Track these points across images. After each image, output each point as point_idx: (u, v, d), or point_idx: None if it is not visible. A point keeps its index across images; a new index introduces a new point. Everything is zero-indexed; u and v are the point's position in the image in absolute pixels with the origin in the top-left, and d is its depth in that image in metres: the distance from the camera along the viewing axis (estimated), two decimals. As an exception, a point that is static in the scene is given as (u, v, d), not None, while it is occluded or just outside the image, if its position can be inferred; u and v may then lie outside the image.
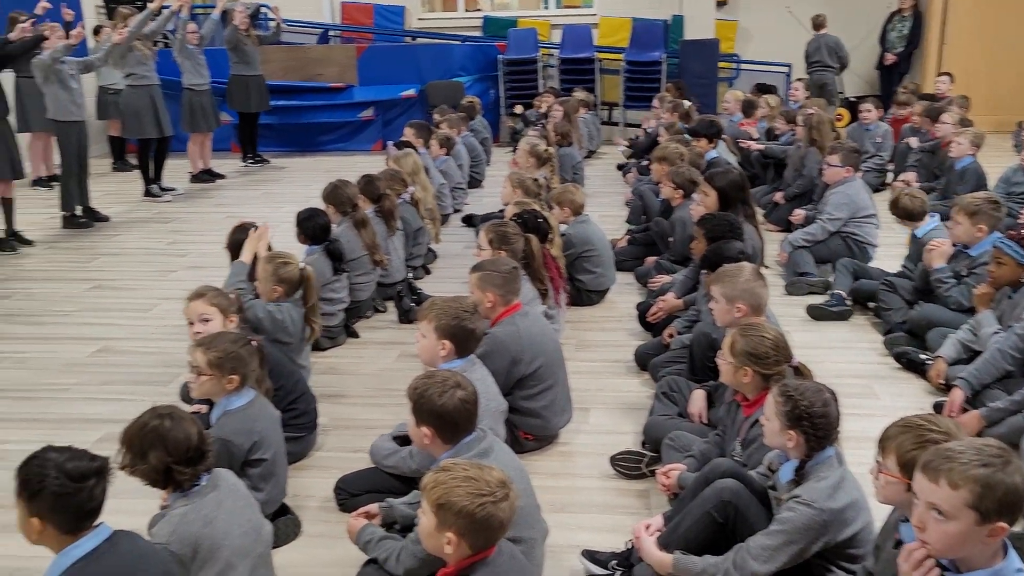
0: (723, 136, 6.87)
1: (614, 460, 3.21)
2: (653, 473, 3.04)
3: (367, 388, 4.03)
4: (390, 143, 6.66)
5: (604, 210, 6.90)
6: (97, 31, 9.48)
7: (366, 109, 10.59)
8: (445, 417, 2.37)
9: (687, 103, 7.92)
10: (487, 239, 3.91)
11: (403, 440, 3.03)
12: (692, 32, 10.77)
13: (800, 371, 2.59)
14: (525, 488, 2.37)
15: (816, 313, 4.73)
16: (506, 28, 11.37)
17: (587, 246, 4.98)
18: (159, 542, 2.20)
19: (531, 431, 3.35)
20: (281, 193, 8.35)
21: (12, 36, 6.20)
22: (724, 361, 2.65)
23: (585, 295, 4.99)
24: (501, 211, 6.11)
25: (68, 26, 7.21)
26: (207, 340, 2.90)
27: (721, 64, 10.92)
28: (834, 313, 4.69)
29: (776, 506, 2.33)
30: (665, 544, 2.40)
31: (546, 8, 12.49)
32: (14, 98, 7.52)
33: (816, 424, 2.24)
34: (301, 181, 8.90)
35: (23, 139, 7.69)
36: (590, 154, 9.56)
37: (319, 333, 3.84)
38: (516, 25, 11.49)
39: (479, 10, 12.28)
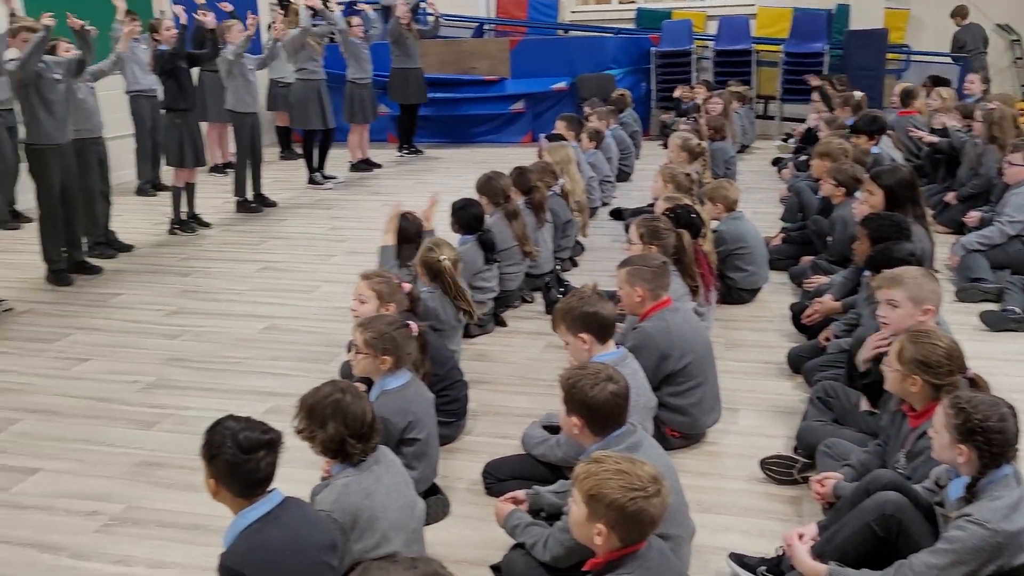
0: (888, 132, 6.52)
1: (764, 464, 3.13)
2: (806, 480, 2.95)
3: (514, 376, 4.10)
4: (542, 135, 6.73)
5: (758, 206, 6.70)
6: (270, 26, 10.05)
7: (517, 102, 10.73)
8: (595, 409, 2.39)
9: (858, 94, 7.51)
10: (638, 233, 3.89)
11: (552, 429, 3.08)
12: (858, 21, 10.25)
13: (975, 383, 2.43)
14: (674, 485, 2.35)
15: (992, 320, 4.42)
16: (660, 20, 11.22)
17: (740, 243, 4.86)
18: (323, 509, 2.33)
19: (678, 428, 3.32)
20: (434, 183, 8.58)
21: (203, 22, 6.62)
22: (891, 368, 2.53)
23: (736, 293, 4.88)
24: (650, 205, 6.06)
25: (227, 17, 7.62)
26: (366, 321, 3.05)
27: (889, 55, 10.35)
28: (1012, 321, 4.37)
29: (943, 524, 2.21)
30: (819, 554, 2.32)
31: (702, -1, 12.22)
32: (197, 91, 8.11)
33: (991, 440, 2.10)
34: (453, 171, 9.14)
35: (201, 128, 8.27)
36: (743, 148, 9.31)
37: (473, 319, 3.94)
38: (670, 17, 11.32)
39: (633, 2, 12.17)
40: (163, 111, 6.69)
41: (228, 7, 7.06)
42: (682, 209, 4.21)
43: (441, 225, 4.57)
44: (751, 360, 4.16)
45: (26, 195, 7.04)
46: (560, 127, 7.05)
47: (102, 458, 3.38)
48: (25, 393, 3.98)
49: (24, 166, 5.76)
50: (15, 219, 6.88)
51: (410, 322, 3.03)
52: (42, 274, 5.65)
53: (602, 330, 2.92)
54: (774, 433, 3.45)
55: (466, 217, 4.61)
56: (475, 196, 4.89)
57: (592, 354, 2.93)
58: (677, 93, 9.94)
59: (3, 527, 2.93)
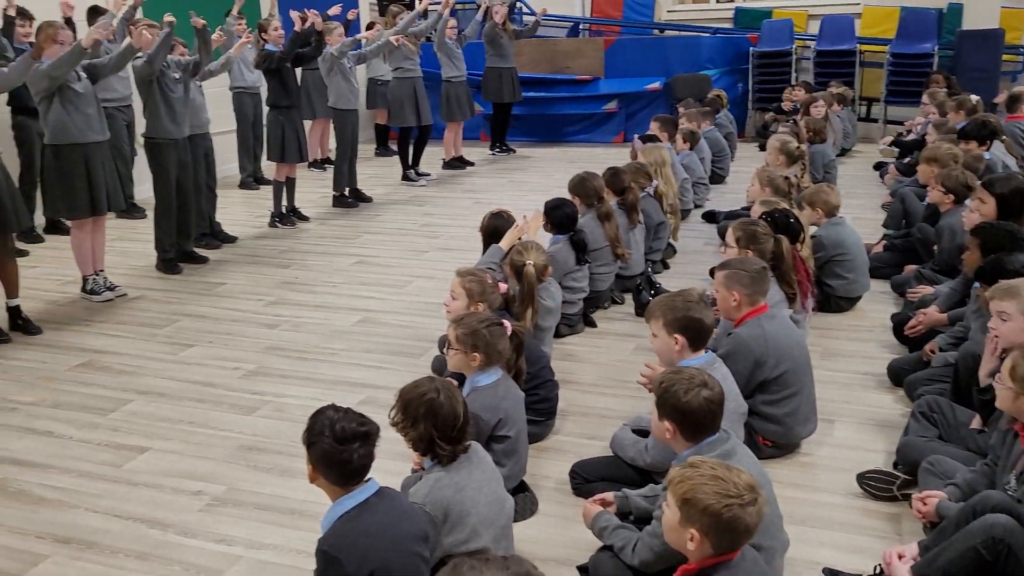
0: (1002, 137, 6.22)
1: (862, 478, 3.04)
2: (906, 497, 2.85)
3: (603, 377, 4.10)
4: (636, 136, 6.68)
5: (858, 212, 6.50)
6: (370, 27, 10.27)
7: (610, 101, 10.68)
8: (688, 414, 2.37)
9: (974, 98, 7.18)
10: (735, 237, 3.83)
11: (642, 433, 3.06)
12: (972, 21, 9.80)
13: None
14: (769, 496, 2.31)
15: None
16: (759, 19, 10.96)
17: (839, 250, 4.73)
18: (415, 502, 2.38)
19: (771, 437, 3.25)
20: (526, 181, 8.65)
21: (297, 28, 6.86)
22: (1003, 386, 2.42)
23: (834, 301, 4.74)
24: (745, 208, 5.96)
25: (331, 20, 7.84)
26: (460, 317, 3.10)
27: (1005, 57, 9.85)
28: None
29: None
30: (920, 575, 2.25)
31: (804, -3, 11.89)
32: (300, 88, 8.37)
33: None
34: (545, 170, 9.16)
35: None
36: (844, 152, 9.03)
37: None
38: (771, 16, 11.05)
39: (731, 1, 11.94)
40: (268, 108, 6.92)
41: (336, 10, 7.25)
42: (780, 213, 4.12)
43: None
44: (849, 371, 4.05)
45: (140, 187, 7.45)
46: (654, 128, 6.98)
47: (206, 440, 3.53)
48: (137, 375, 4.20)
49: (142, 159, 6.04)
50: (132, 210, 7.24)
51: (505, 321, 3.06)
52: (153, 262, 5.93)
53: (698, 338, 2.89)
54: (872, 447, 3.35)
55: (559, 217, 4.62)
56: (567, 196, 4.89)
57: (681, 357, 2.91)
58: (786, 106, 9.67)
59: (116, 501, 3.09)
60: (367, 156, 9.82)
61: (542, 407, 3.49)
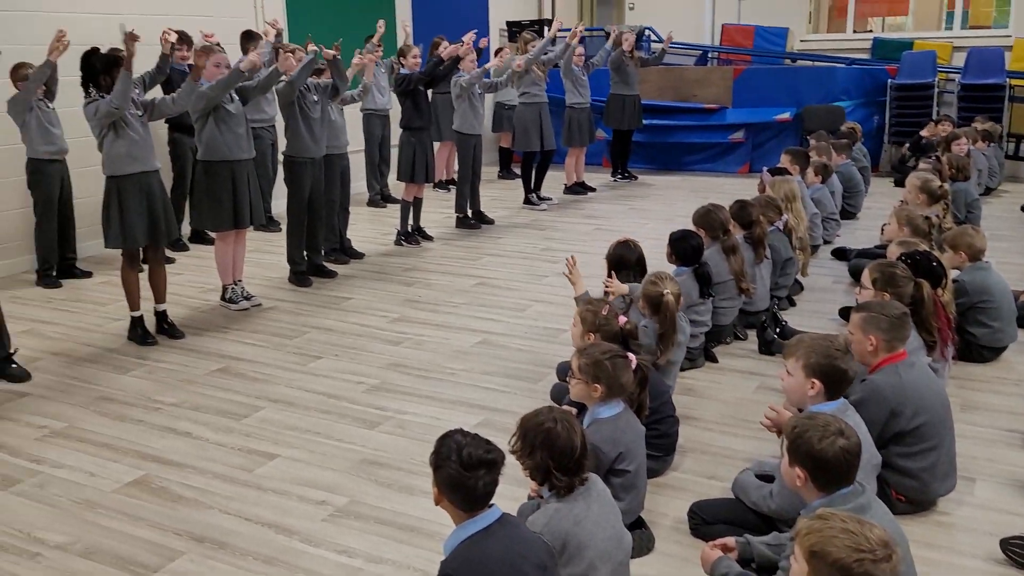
0: None
1: (1006, 544, 2.85)
2: (1056, 568, 2.65)
3: (724, 415, 4.00)
4: (764, 168, 6.53)
5: (1004, 256, 6.14)
6: (498, 52, 10.49)
7: (737, 131, 10.50)
8: (822, 463, 2.28)
9: None
10: (871, 278, 3.68)
11: (766, 478, 2.97)
12: None
13: None
14: (904, 555, 2.20)
15: None
16: (899, 51, 10.56)
17: (984, 296, 4.48)
18: (534, 531, 2.39)
19: (905, 492, 3.09)
20: (647, 209, 8.59)
21: (443, 54, 7.09)
22: None
23: (977, 351, 4.48)
24: (879, 247, 5.73)
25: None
26: (584, 347, 3.09)
27: None
28: None
29: None
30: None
31: (948, 29, 11.39)
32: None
33: None
34: (667, 199, 9.08)
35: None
36: (988, 191, 8.55)
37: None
38: (911, 48, 10.63)
39: (869, 31, 11.56)
40: (400, 129, 7.14)
41: (470, 37, 7.44)
42: (922, 256, 3.95)
43: (651, 254, 4.53)
44: (992, 426, 3.81)
45: (276, 201, 7.82)
46: (785, 160, 6.81)
47: (331, 451, 3.65)
48: (268, 383, 4.39)
49: (281, 176, 6.35)
50: (270, 223, 7.61)
51: (630, 354, 3.04)
52: (286, 275, 6.21)
53: (836, 388, 2.79)
54: (1017, 511, 3.13)
55: (684, 249, 4.56)
56: (691, 226, 4.83)
57: (812, 402, 2.81)
58: (925, 133, 9.28)
59: (246, 505, 3.24)
60: (490, 178, 9.99)
61: (662, 442, 3.44)
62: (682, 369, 4.44)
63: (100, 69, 4.69)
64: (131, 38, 4.59)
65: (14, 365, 4.50)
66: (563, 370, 4.25)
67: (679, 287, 3.87)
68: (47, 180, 6.15)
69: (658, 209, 8.54)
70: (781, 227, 5.38)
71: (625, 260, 4.22)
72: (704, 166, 10.77)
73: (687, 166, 10.83)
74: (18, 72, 6.00)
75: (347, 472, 3.47)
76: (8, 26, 6.38)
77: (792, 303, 5.54)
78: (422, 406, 4.10)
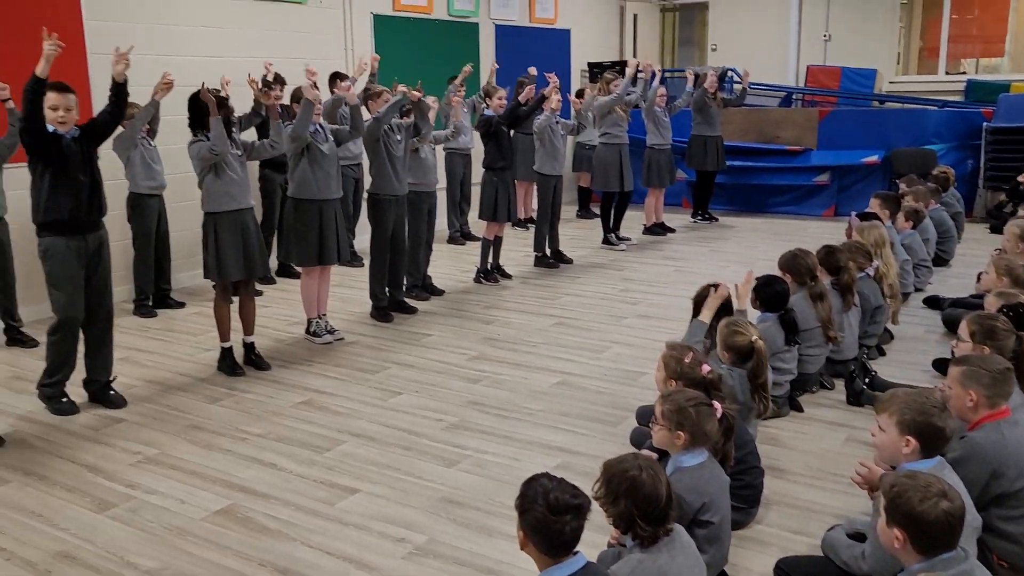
0: None
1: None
2: None
3: (810, 468, 3.88)
4: (852, 213, 6.38)
5: (1111, 309, 5.81)
6: (580, 94, 10.58)
7: (822, 174, 10.30)
8: (923, 526, 2.19)
9: None
10: (969, 331, 3.54)
11: (857, 536, 2.87)
12: None
13: None
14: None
15: None
16: (995, 93, 10.25)
17: (1091, 351, 4.24)
18: (617, 581, 2.35)
19: (1008, 558, 2.93)
20: (728, 252, 8.47)
21: (522, 98, 7.21)
22: None
23: (1083, 409, 4.24)
24: (975, 297, 5.53)
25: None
26: (668, 393, 3.05)
27: None
28: None
29: None
30: None
31: (1048, 70, 11.02)
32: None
33: None
34: (748, 241, 8.95)
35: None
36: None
37: (769, 411, 3.80)
38: (1008, 90, 10.30)
39: (962, 73, 11.26)
40: (483, 169, 7.25)
41: (554, 79, 7.54)
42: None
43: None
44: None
45: (361, 237, 8.01)
46: (874, 205, 6.65)
47: (410, 488, 3.68)
48: (350, 417, 4.46)
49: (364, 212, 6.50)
50: (353, 259, 7.79)
51: (715, 402, 2.99)
52: (367, 309, 6.33)
53: (933, 446, 2.68)
54: None
55: (769, 294, 4.48)
56: (775, 270, 4.74)
57: (907, 460, 2.70)
58: (1023, 179, 8.95)
59: (328, 538, 3.28)
60: (569, 218, 10.02)
61: (746, 493, 3.36)
62: (766, 418, 4.34)
63: (204, 111, 4.90)
64: (206, 93, 4.81)
65: (112, 392, 4.70)
66: (643, 414, 4.20)
67: (760, 333, 3.79)
68: (146, 214, 6.44)
69: (739, 252, 8.42)
70: (871, 274, 5.23)
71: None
72: (787, 208, 10.59)
73: (769, 208, 10.67)
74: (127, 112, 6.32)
75: (426, 510, 3.49)
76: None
77: (882, 352, 5.37)
78: (500, 446, 4.10)
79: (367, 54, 8.12)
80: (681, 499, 2.80)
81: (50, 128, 4.26)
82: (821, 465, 3.90)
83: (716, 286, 4.18)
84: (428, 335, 5.89)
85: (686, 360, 3.37)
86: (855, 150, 10.13)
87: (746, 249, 8.51)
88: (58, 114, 4.27)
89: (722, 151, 9.70)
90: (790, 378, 4.52)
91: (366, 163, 6.39)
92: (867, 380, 4.67)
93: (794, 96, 11.74)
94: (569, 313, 6.42)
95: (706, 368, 3.39)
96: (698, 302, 4.27)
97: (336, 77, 7.42)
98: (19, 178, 4.52)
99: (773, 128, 10.67)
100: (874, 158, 9.97)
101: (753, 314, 4.38)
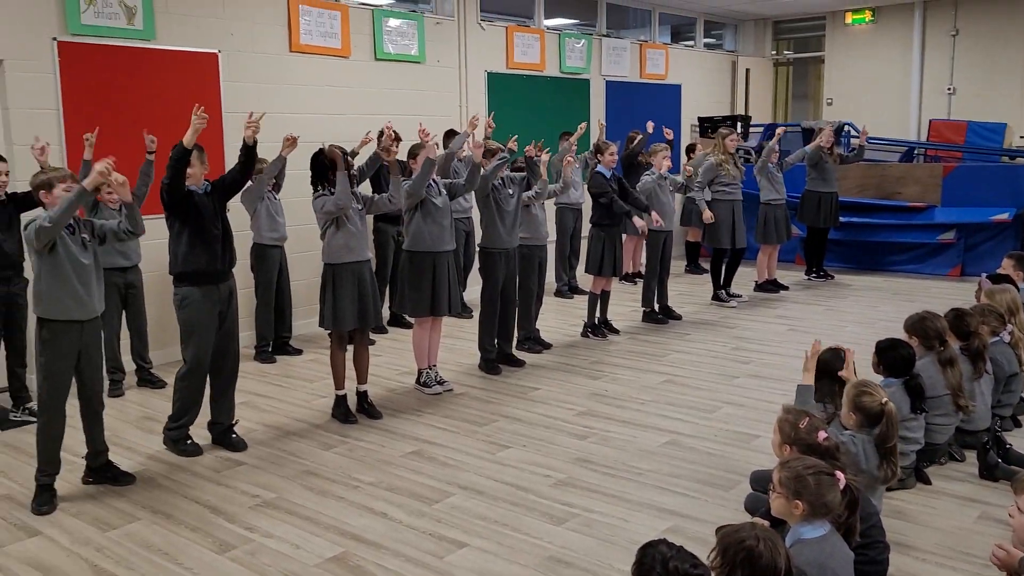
0: None
1: None
2: None
3: (940, 545, 3.65)
4: (983, 274, 6.06)
5: None
6: (691, 149, 10.55)
7: (947, 232, 9.85)
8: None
9: None
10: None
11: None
12: None
13: None
14: None
15: None
16: None
17: None
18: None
19: None
20: (845, 311, 8.18)
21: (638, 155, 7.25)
22: None
23: None
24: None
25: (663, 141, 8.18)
26: (787, 459, 2.95)
27: None
28: None
29: None
30: None
31: None
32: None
33: None
34: (866, 300, 8.62)
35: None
36: None
37: (897, 477, 3.62)
38: None
39: (1102, 126, 10.65)
40: (591, 225, 7.27)
41: (669, 134, 7.56)
42: None
43: (859, 363, 4.28)
44: None
45: (471, 289, 8.14)
46: (1007, 266, 6.29)
47: (518, 545, 3.65)
48: (459, 469, 4.49)
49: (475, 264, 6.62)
50: (464, 310, 7.91)
51: (838, 472, 2.86)
52: (476, 361, 6.40)
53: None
54: None
55: (894, 358, 4.28)
56: (898, 333, 4.54)
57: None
58: None
59: (436, 592, 3.29)
60: (677, 273, 9.91)
61: (870, 570, 3.17)
62: (890, 489, 4.12)
63: (327, 167, 5.13)
64: (332, 150, 5.02)
65: (234, 435, 4.89)
66: (758, 479, 4.06)
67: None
68: (269, 264, 6.74)
69: (857, 311, 8.11)
70: (1005, 339, 4.95)
71: (833, 369, 4.00)
72: (908, 267, 10.16)
73: (889, 266, 10.26)
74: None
75: (534, 568, 3.45)
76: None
77: (1017, 423, 5.04)
78: (609, 505, 4.03)
79: (480, 111, 8.36)
80: (801, 573, 2.68)
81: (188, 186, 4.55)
82: (952, 543, 3.67)
83: (838, 351, 4.03)
84: (536, 389, 5.89)
85: (801, 425, 3.25)
86: (983, 207, 9.66)
87: (865, 309, 8.20)
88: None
89: (836, 208, 9.44)
90: (917, 448, 4.29)
91: (476, 216, 6.53)
92: (1001, 453, 4.40)
93: (916, 151, 11.34)
94: (678, 370, 6.32)
95: (822, 435, 3.26)
96: (819, 365, 4.12)
97: (450, 134, 7.64)
98: (151, 228, 4.82)
99: (893, 184, 10.32)
100: (1005, 216, 9.48)
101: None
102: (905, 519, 3.90)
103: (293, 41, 7.40)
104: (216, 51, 6.89)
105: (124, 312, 5.96)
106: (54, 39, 6.00)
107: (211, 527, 3.86)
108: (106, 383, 5.23)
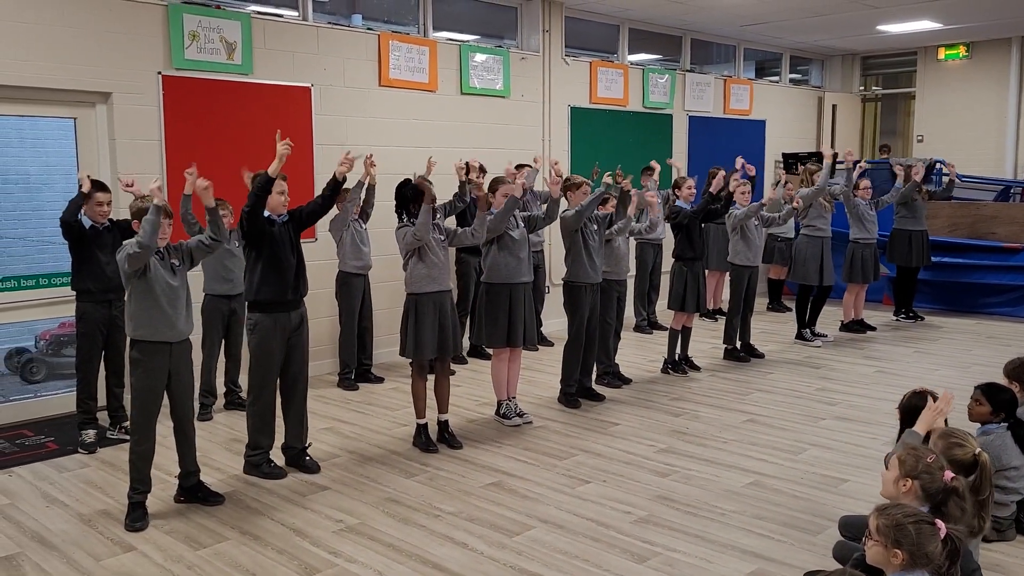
0: None
1: None
2: None
3: (1046, 603, 3.47)
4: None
5: None
6: (776, 184, 10.38)
7: (1044, 274, 9.45)
8: None
9: None
10: None
11: None
12: None
13: None
14: None
15: None
16: None
17: None
18: None
19: None
20: (935, 353, 7.89)
21: (713, 188, 7.17)
22: None
23: None
24: None
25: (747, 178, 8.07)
26: (885, 507, 2.84)
27: None
28: None
29: None
30: None
31: None
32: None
33: None
34: (958, 343, 8.30)
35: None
36: None
37: (984, 531, 3.44)
38: None
39: None
40: (673, 259, 7.22)
41: (752, 170, 7.48)
42: None
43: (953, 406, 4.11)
44: None
45: (548, 322, 8.17)
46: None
47: (599, 582, 3.61)
48: (539, 503, 4.47)
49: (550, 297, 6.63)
50: (541, 341, 7.93)
51: (938, 521, 2.75)
52: (556, 394, 6.38)
53: None
54: None
55: (999, 403, 4.11)
56: (996, 377, 4.36)
57: None
58: None
59: (517, 625, 3.26)
60: (759, 310, 9.71)
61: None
62: (988, 540, 3.94)
63: (410, 198, 5.24)
64: (421, 181, 5.15)
65: (307, 458, 4.98)
66: (847, 525, 3.93)
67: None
68: (353, 292, 6.89)
69: (949, 354, 7.81)
70: (1114, 388, 4.69)
71: (919, 412, 3.86)
72: (1002, 310, 9.75)
73: (982, 309, 9.87)
74: (341, 196, 6.87)
75: (616, 607, 3.41)
76: (334, 157, 7.41)
77: None
78: (691, 545, 3.95)
79: (562, 145, 8.42)
80: (900, 625, 2.58)
81: (266, 214, 4.69)
82: (1058, 601, 3.48)
83: (927, 393, 3.88)
84: (615, 424, 5.84)
85: (929, 460, 3.12)
86: (1085, 249, 9.25)
87: (958, 352, 7.89)
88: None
89: (927, 246, 9.15)
90: (1017, 498, 4.09)
91: (548, 249, 6.54)
92: (1113, 508, 4.15)
93: (1012, 190, 10.93)
94: (761, 410, 6.18)
95: (950, 475, 3.13)
96: (906, 411, 3.97)
97: (520, 167, 7.71)
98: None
99: (987, 223, 9.96)
100: (1107, 258, 9.05)
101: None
102: (1004, 572, 3.72)
103: (383, 75, 7.61)
104: (309, 85, 7.14)
105: (224, 340, 6.14)
106: (159, 73, 6.32)
107: (297, 550, 3.92)
108: (196, 406, 5.39)
